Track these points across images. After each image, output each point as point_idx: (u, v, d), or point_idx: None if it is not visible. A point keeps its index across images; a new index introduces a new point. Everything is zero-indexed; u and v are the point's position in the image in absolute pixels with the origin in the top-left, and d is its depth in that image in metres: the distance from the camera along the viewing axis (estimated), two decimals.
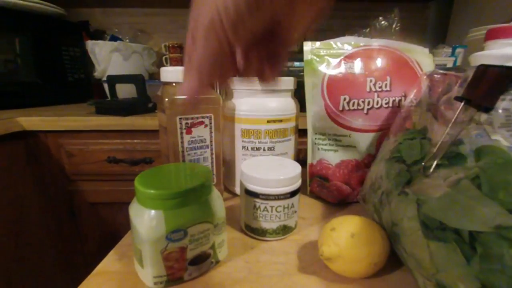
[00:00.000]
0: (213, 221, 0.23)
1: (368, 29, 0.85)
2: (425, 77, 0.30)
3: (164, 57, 1.15)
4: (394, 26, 0.76)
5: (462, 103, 0.20)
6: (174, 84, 0.31)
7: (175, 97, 0.30)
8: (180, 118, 0.30)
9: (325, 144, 0.35)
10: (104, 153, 0.71)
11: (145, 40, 1.17)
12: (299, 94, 0.37)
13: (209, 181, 0.23)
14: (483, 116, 0.18)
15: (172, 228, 0.20)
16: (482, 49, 0.42)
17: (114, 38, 1.05)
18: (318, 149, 0.36)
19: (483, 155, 0.18)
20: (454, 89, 0.23)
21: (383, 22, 0.78)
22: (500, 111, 0.16)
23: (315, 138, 0.36)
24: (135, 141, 0.70)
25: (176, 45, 1.13)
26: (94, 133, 0.69)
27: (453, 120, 0.21)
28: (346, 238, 0.21)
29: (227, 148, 0.38)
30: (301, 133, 0.41)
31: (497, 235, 0.15)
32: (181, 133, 0.31)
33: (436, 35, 1.17)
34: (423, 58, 0.36)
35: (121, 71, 0.93)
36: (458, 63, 0.78)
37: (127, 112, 0.67)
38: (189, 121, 0.31)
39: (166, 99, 0.29)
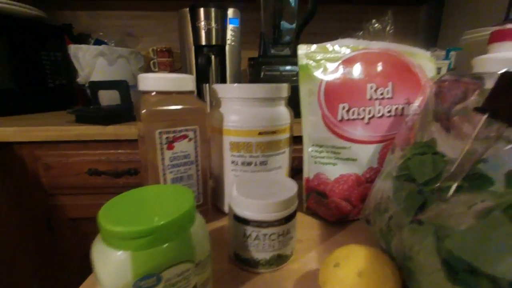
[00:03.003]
0: (194, 259, 0.19)
1: (361, 32, 0.83)
2: (431, 83, 0.27)
3: (152, 62, 1.11)
4: (387, 29, 0.74)
5: (485, 116, 0.17)
6: (154, 93, 0.27)
7: (155, 108, 0.26)
8: (160, 132, 0.27)
9: (323, 157, 0.32)
10: (85, 165, 0.66)
11: (132, 44, 1.13)
12: (293, 100, 0.34)
13: (192, 210, 0.20)
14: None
15: (141, 273, 0.16)
16: (481, 51, 0.40)
17: (99, 42, 1.00)
18: (315, 162, 0.33)
19: None
20: (470, 98, 0.20)
21: (376, 25, 0.76)
22: None
23: (312, 151, 0.33)
24: (119, 151, 0.65)
25: (164, 49, 1.10)
26: (74, 143, 0.64)
27: (474, 134, 0.18)
28: (353, 278, 0.18)
29: (215, 162, 0.35)
30: (296, 140, 0.38)
31: None
32: (161, 148, 0.27)
33: (428, 38, 1.17)
34: (425, 62, 0.34)
35: (106, 76, 0.89)
36: (452, 66, 0.77)
37: (110, 121, 0.63)
38: (170, 135, 0.27)
39: (144, 111, 0.26)
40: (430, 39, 1.17)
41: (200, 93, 0.75)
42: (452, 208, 0.17)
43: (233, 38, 0.76)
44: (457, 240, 0.15)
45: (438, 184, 0.19)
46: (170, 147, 0.28)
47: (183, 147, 0.28)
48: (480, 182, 0.17)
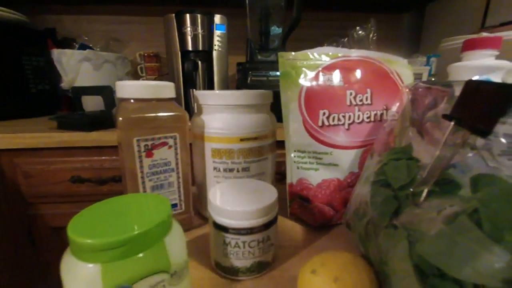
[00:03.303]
0: (169, 269, 0.18)
1: (346, 39, 0.85)
2: (407, 90, 0.28)
3: (139, 67, 1.10)
4: (371, 36, 0.76)
5: (452, 123, 0.18)
6: (132, 100, 0.27)
7: (132, 115, 0.26)
8: (138, 140, 0.26)
9: (305, 163, 0.32)
10: (67, 172, 0.64)
11: (118, 49, 1.11)
12: (278, 105, 0.34)
13: (167, 220, 0.19)
14: (480, 141, 0.15)
15: (111, 286, 0.16)
16: (457, 58, 0.42)
17: (83, 47, 0.98)
18: (298, 167, 0.33)
19: (481, 186, 0.15)
20: (440, 105, 0.21)
21: (360, 32, 0.78)
22: (501, 138, 0.14)
23: (294, 156, 0.33)
24: (103, 158, 0.64)
25: (152, 54, 1.09)
26: (56, 150, 0.62)
27: (443, 141, 0.18)
28: (329, 284, 0.18)
29: (197, 169, 0.34)
30: (281, 144, 0.38)
31: None
32: (140, 156, 0.27)
33: (410, 45, 1.21)
34: (403, 69, 0.35)
35: (91, 81, 0.87)
36: (432, 72, 0.80)
37: (93, 127, 0.61)
38: (149, 143, 0.27)
39: (120, 118, 0.25)
40: (413, 46, 1.21)
41: (186, 99, 0.74)
42: (424, 213, 0.18)
43: (220, 44, 0.76)
44: (427, 245, 0.16)
45: (412, 189, 0.20)
46: (149, 155, 0.27)
47: (163, 154, 0.28)
48: (450, 187, 0.18)
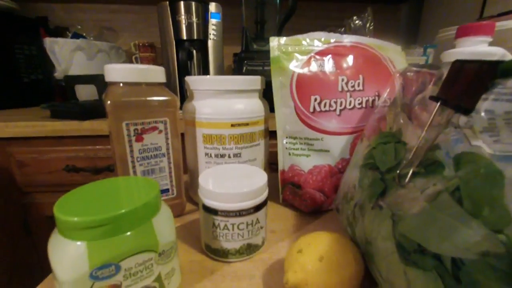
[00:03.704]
0: (157, 248, 0.19)
1: (342, 29, 0.84)
2: (398, 75, 0.28)
3: (134, 57, 1.08)
4: (368, 25, 0.75)
5: (438, 104, 0.18)
6: (121, 84, 0.27)
7: (121, 99, 0.26)
8: (127, 124, 0.26)
9: (297, 149, 0.32)
10: (61, 161, 0.64)
11: (112, 38, 1.09)
12: (270, 94, 0.34)
13: (154, 201, 0.19)
14: (462, 119, 0.15)
15: (98, 263, 0.16)
16: (452, 47, 0.42)
17: (76, 36, 0.96)
18: (289, 154, 0.33)
19: (463, 164, 0.15)
20: (428, 88, 0.21)
21: (357, 22, 0.77)
22: (482, 113, 0.14)
23: (286, 142, 0.33)
24: (97, 147, 0.64)
25: (146, 44, 1.07)
26: (49, 139, 0.62)
27: (428, 122, 0.18)
28: (314, 262, 0.18)
29: (189, 155, 0.34)
30: (274, 135, 0.38)
31: (484, 263, 0.12)
32: (129, 140, 0.27)
33: (408, 36, 1.20)
34: (395, 56, 0.35)
35: (85, 71, 0.86)
36: (428, 63, 0.80)
37: (86, 116, 0.61)
38: (138, 127, 0.27)
39: (108, 102, 0.25)
40: (410, 37, 1.20)
41: (182, 90, 0.74)
42: (408, 193, 0.18)
43: (215, 33, 0.75)
44: (408, 223, 0.16)
45: (398, 171, 0.20)
46: (139, 139, 0.27)
47: (153, 139, 0.28)
48: (434, 167, 0.18)
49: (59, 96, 0.97)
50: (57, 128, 0.60)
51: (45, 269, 0.73)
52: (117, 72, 0.26)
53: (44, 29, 0.96)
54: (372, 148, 0.24)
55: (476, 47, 0.33)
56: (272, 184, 0.38)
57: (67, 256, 0.16)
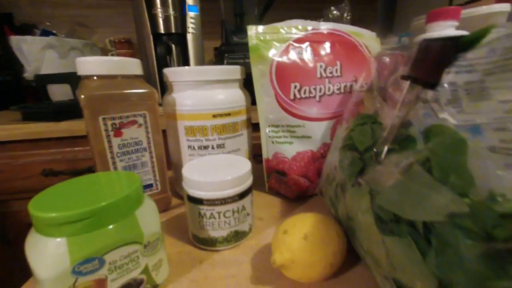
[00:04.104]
0: (142, 240, 0.18)
1: (321, 20, 0.85)
2: (373, 59, 0.29)
3: (110, 54, 1.04)
4: (345, 15, 0.76)
5: (408, 82, 0.19)
6: (95, 77, 0.26)
7: (95, 92, 0.25)
8: (104, 118, 0.25)
9: (280, 137, 0.33)
10: (38, 165, 0.61)
11: (86, 35, 1.05)
12: (251, 86, 0.34)
13: (136, 193, 0.19)
14: (430, 94, 0.16)
15: (79, 258, 0.16)
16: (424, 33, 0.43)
17: (46, 33, 0.91)
18: (273, 142, 0.33)
19: (431, 136, 0.16)
20: (400, 68, 0.22)
21: (335, 12, 0.78)
22: (446, 85, 0.15)
23: (269, 131, 0.33)
24: (76, 149, 0.61)
25: (123, 40, 1.03)
26: (24, 143, 0.59)
27: (400, 101, 0.19)
28: (299, 241, 0.19)
29: (172, 148, 0.34)
30: (257, 127, 0.38)
31: (451, 224, 0.13)
32: (108, 136, 0.26)
33: (384, 26, 1.23)
34: (371, 42, 0.36)
35: (58, 70, 0.82)
36: None
37: (62, 117, 0.58)
38: (116, 121, 0.26)
39: (82, 96, 0.24)
40: (387, 26, 1.23)
41: (162, 84, 0.72)
42: (384, 169, 0.19)
43: (194, 26, 0.74)
44: (385, 195, 0.17)
45: (375, 149, 0.21)
46: (118, 134, 0.26)
47: (133, 133, 0.27)
48: (407, 142, 0.19)
49: (30, 97, 0.92)
50: (31, 130, 0.57)
51: (27, 278, 0.70)
52: (90, 64, 0.25)
53: (8, 26, 0.90)
54: (351, 130, 0.25)
55: (445, 31, 0.35)
56: (258, 174, 0.38)
57: (46, 253, 0.16)
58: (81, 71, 0.26)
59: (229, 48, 0.71)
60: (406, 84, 0.19)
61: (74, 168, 0.62)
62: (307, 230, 0.19)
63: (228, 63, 0.69)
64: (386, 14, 1.22)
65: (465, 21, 0.44)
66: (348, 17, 0.78)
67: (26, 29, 0.93)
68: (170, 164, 0.36)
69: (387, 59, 0.26)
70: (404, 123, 0.19)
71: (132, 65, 0.27)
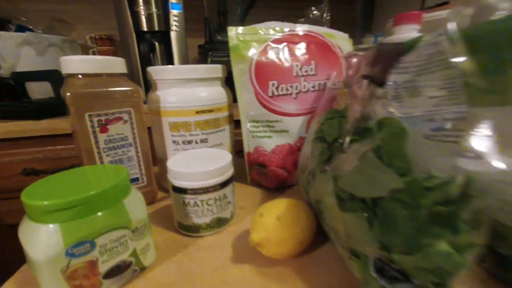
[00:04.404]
0: (130, 225, 0.20)
1: (303, 19, 0.88)
2: (343, 59, 0.32)
3: (91, 50, 1.02)
4: (324, 15, 0.80)
5: (367, 81, 0.21)
6: (80, 76, 0.27)
7: (81, 90, 0.26)
8: (90, 115, 0.27)
9: (260, 131, 0.35)
10: (18, 165, 0.60)
11: (65, 31, 1.02)
12: (233, 83, 0.36)
13: (123, 183, 0.21)
14: (381, 91, 0.19)
15: (72, 241, 0.17)
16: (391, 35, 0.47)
17: (21, 29, 0.88)
18: (253, 136, 0.36)
19: (382, 127, 0.19)
20: (362, 68, 0.25)
21: (315, 12, 0.81)
22: (390, 84, 0.17)
23: (250, 126, 0.35)
24: (58, 147, 0.61)
25: (104, 37, 1.01)
26: (2, 142, 0.58)
27: (360, 97, 0.22)
28: (273, 222, 0.21)
29: (158, 144, 0.35)
30: (239, 123, 0.40)
31: (392, 198, 0.16)
32: (94, 132, 0.27)
33: (364, 26, 1.28)
34: (343, 43, 0.38)
35: (36, 67, 0.79)
36: None
37: (42, 115, 0.57)
38: (102, 118, 0.27)
39: (68, 94, 0.25)
40: (366, 26, 1.28)
41: (146, 81, 0.72)
42: (347, 157, 0.22)
43: (177, 24, 0.74)
44: (344, 179, 0.20)
45: (340, 140, 0.24)
46: (104, 130, 0.28)
47: (119, 129, 0.29)
48: (365, 133, 0.21)
49: (7, 96, 0.89)
50: (10, 129, 0.56)
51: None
52: (75, 64, 0.26)
53: None
54: (322, 124, 0.27)
55: (408, 34, 0.38)
56: (240, 168, 0.40)
57: (41, 238, 0.17)
58: (66, 70, 0.27)
59: (212, 46, 0.72)
60: (365, 82, 0.22)
61: (56, 167, 0.61)
62: (280, 212, 0.22)
63: (212, 61, 0.70)
64: (364, 15, 1.27)
65: (433, 23, 0.48)
66: (328, 17, 0.81)
67: (0, 25, 0.89)
68: (156, 160, 0.37)
69: (353, 60, 0.29)
70: (364, 116, 0.22)
71: (116, 64, 0.28)
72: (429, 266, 0.14)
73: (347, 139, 0.22)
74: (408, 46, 0.16)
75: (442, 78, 0.14)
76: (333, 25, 1.07)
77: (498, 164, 0.12)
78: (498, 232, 0.18)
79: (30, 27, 0.90)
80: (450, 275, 0.15)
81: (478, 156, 0.13)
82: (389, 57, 0.18)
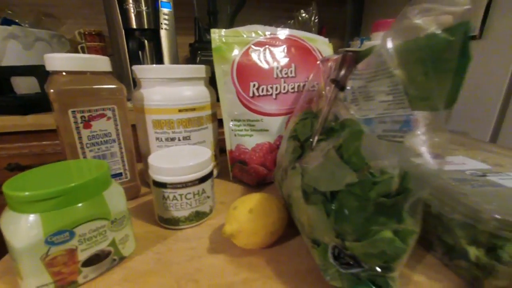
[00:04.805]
0: (109, 216, 0.21)
1: (292, 21, 0.90)
2: (319, 63, 0.33)
3: (80, 46, 1.01)
4: (313, 18, 0.82)
5: (333, 85, 0.23)
6: (64, 73, 0.28)
7: (64, 87, 0.27)
8: (74, 111, 0.27)
9: (241, 130, 0.37)
10: (2, 159, 0.59)
11: (53, 26, 1.00)
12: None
13: (103, 177, 0.22)
14: (343, 95, 0.21)
15: (52, 230, 0.18)
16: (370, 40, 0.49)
17: (7, 22, 0.87)
18: (235, 135, 0.37)
19: (345, 127, 0.21)
20: (332, 72, 0.26)
21: (304, 15, 0.83)
22: (349, 88, 0.19)
23: (232, 125, 0.37)
24: (43, 143, 0.61)
25: (94, 33, 1.01)
26: None
27: (327, 99, 0.24)
28: (245, 214, 0.23)
29: (142, 141, 0.36)
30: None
31: (347, 191, 0.18)
32: (77, 127, 0.28)
33: (353, 29, 1.31)
34: (323, 47, 0.40)
35: (22, 62, 0.78)
36: None
37: (28, 110, 0.57)
38: (85, 114, 0.28)
39: (52, 90, 0.26)
40: (355, 29, 1.31)
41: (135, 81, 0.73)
42: (314, 154, 0.23)
43: (167, 23, 0.75)
44: (309, 174, 0.21)
45: (311, 139, 0.25)
46: (87, 126, 0.28)
47: (102, 126, 0.29)
48: (331, 133, 0.23)
49: None
50: None
51: None
52: (59, 61, 0.27)
53: None
54: (296, 124, 0.29)
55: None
56: (224, 165, 0.42)
57: (21, 227, 0.18)
58: (50, 67, 0.27)
59: (202, 45, 0.73)
60: (332, 86, 0.24)
61: (41, 163, 0.61)
62: (252, 205, 0.23)
63: (201, 60, 0.71)
64: (354, 18, 1.30)
65: (410, 30, 0.50)
66: (316, 20, 0.84)
67: None
68: (141, 156, 0.38)
69: (328, 64, 0.30)
70: (334, 117, 0.24)
71: (100, 62, 0.29)
72: (375, 251, 0.16)
73: (316, 138, 0.24)
74: (363, 55, 0.18)
75: (388, 85, 0.16)
76: (324, 28, 1.09)
77: (430, 160, 0.14)
78: (444, 224, 0.21)
79: (17, 20, 0.89)
80: (393, 259, 0.16)
81: (416, 154, 0.15)
82: (350, 64, 0.20)
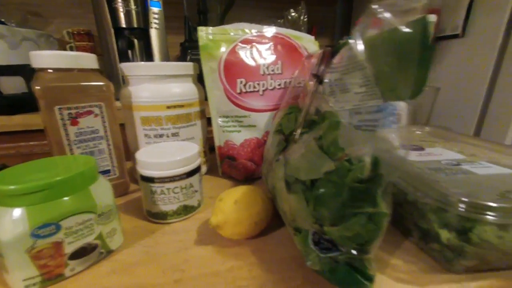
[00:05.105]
0: (96, 210, 0.22)
1: (282, 20, 0.91)
2: (304, 59, 0.34)
3: (68, 46, 1.00)
4: (302, 17, 0.83)
5: (315, 79, 0.24)
6: (50, 70, 0.28)
7: (50, 84, 0.27)
8: (60, 108, 0.28)
9: (229, 126, 0.37)
10: None
11: (40, 25, 0.99)
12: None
13: (91, 171, 0.22)
14: (321, 87, 0.21)
15: (37, 223, 0.19)
16: None
17: None
18: (223, 131, 0.38)
19: (325, 119, 0.22)
20: (315, 67, 0.27)
21: (293, 14, 0.85)
22: (326, 81, 0.20)
23: (220, 121, 0.37)
24: (31, 143, 0.60)
25: (82, 32, 1.00)
26: None
27: (309, 93, 0.24)
28: (230, 205, 0.23)
29: (130, 138, 0.36)
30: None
31: (325, 179, 0.18)
32: (64, 124, 0.28)
33: (343, 27, 1.33)
34: (310, 45, 0.41)
35: (8, 61, 0.77)
36: None
37: (16, 110, 0.57)
38: (72, 111, 0.28)
39: (38, 87, 0.26)
40: (345, 27, 1.33)
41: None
42: (297, 146, 0.24)
43: (157, 21, 0.75)
44: (291, 165, 0.22)
45: (294, 132, 0.26)
46: (74, 123, 0.29)
47: (89, 122, 0.30)
48: (313, 125, 0.24)
49: None
50: None
51: None
52: (46, 58, 0.27)
53: None
54: (281, 118, 0.30)
55: None
56: (213, 163, 0.42)
57: (7, 220, 0.18)
58: (36, 64, 0.27)
59: (192, 44, 0.74)
60: (314, 80, 0.25)
61: None
62: (237, 197, 0.24)
63: (191, 59, 0.72)
64: (343, 17, 1.32)
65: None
66: (305, 19, 0.85)
67: None
68: (130, 153, 0.38)
69: (311, 60, 0.31)
70: (316, 110, 0.25)
71: (87, 59, 0.29)
72: (350, 234, 0.17)
73: (298, 131, 0.25)
74: (338, 49, 0.19)
75: (360, 77, 0.16)
76: (314, 27, 1.11)
77: (398, 147, 0.15)
78: (419, 210, 0.22)
79: (3, 20, 0.87)
80: (368, 241, 0.17)
81: (387, 141, 0.16)
82: (328, 59, 0.21)
